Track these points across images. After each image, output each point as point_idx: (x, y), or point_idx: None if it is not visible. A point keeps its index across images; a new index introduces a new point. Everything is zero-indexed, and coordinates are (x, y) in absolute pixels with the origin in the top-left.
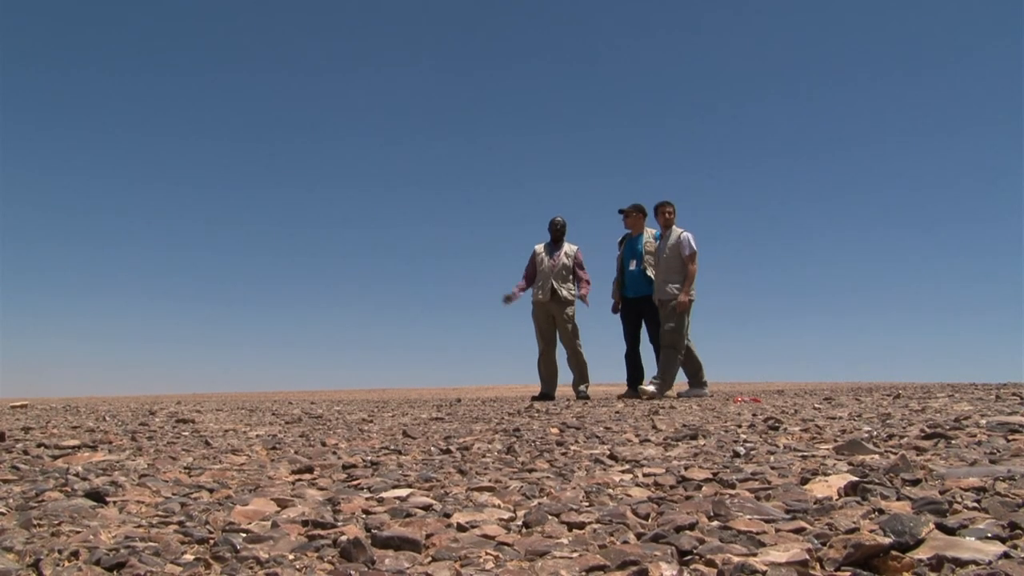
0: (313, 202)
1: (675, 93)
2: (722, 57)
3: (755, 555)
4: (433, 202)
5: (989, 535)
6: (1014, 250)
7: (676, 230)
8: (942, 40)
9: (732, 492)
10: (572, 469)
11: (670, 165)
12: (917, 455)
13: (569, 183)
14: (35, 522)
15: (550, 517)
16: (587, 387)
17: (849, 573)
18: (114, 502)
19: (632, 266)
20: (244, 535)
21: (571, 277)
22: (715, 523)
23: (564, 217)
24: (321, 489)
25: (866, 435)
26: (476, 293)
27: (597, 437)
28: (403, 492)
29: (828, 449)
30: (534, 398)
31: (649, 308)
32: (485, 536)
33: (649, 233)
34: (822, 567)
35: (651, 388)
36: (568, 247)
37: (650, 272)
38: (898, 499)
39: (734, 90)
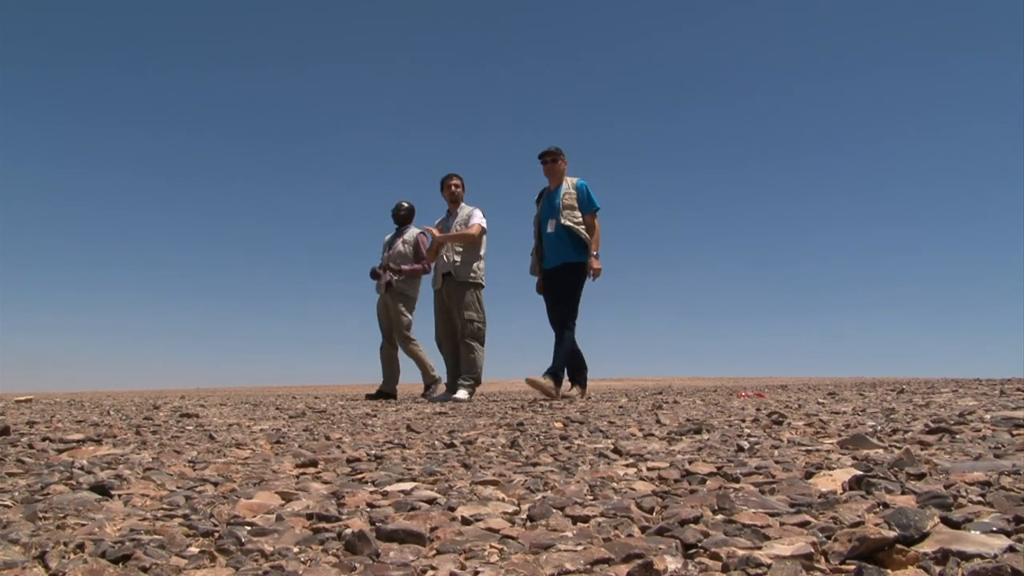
0: (316, 197)
1: (677, 89)
2: (724, 53)
3: (760, 548)
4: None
5: (994, 529)
6: (1018, 246)
7: (466, 207)
8: (956, 35)
9: (736, 486)
10: (576, 463)
11: (673, 161)
12: (921, 450)
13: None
14: (40, 515)
15: (554, 511)
16: (435, 388)
17: (854, 566)
18: (119, 495)
19: (550, 228)
20: (249, 528)
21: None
22: (719, 517)
23: (411, 202)
24: (325, 483)
25: (870, 430)
26: None
27: (601, 431)
28: (407, 486)
29: (832, 444)
30: (369, 395)
31: (568, 278)
32: (490, 529)
33: (570, 183)
34: (827, 560)
35: (463, 394)
36: (409, 232)
37: (579, 232)
38: (903, 493)
39: (739, 85)
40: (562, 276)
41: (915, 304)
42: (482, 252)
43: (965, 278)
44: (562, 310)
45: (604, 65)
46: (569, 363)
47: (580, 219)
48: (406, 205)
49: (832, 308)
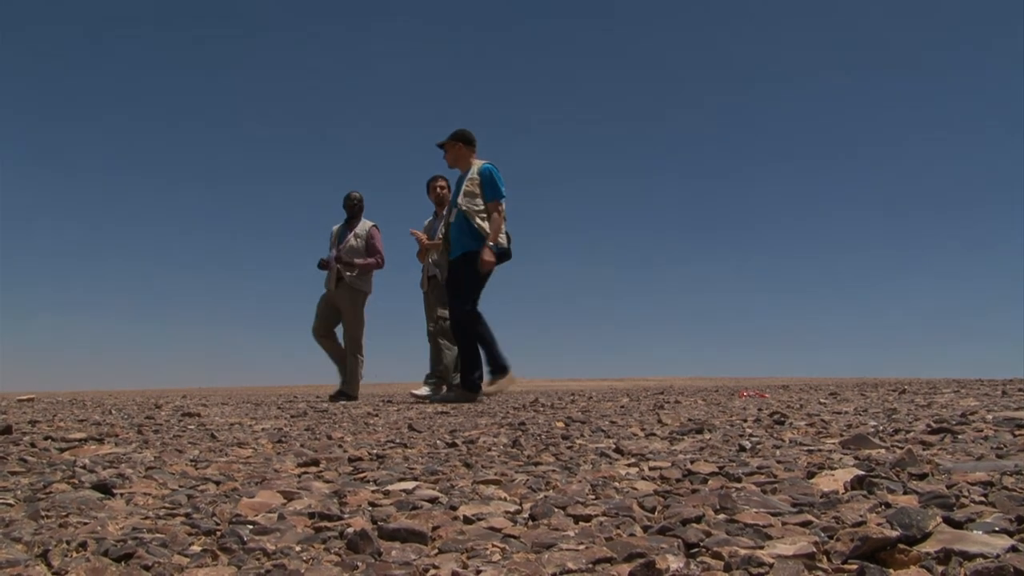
0: (316, 196)
1: (680, 87)
2: (728, 52)
3: (762, 548)
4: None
5: (996, 529)
6: (1019, 246)
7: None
8: (957, 32)
9: (738, 486)
10: (578, 463)
11: (674, 159)
12: (923, 450)
13: (583, 181)
14: (43, 513)
15: (556, 510)
16: (341, 398)
17: (856, 566)
18: (121, 494)
19: (452, 216)
20: (251, 527)
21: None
22: (721, 516)
23: (362, 193)
24: (327, 482)
25: (872, 430)
26: None
27: (603, 431)
28: (409, 485)
29: (834, 443)
30: (331, 396)
31: (464, 267)
32: (491, 528)
33: (475, 168)
34: (829, 560)
35: (424, 391)
36: (361, 225)
37: (476, 220)
38: (905, 493)
39: (742, 83)
40: (460, 266)
41: (917, 304)
42: None
43: (967, 278)
44: (456, 304)
45: (599, 59)
46: (465, 360)
47: (482, 206)
48: (357, 196)
49: (834, 308)
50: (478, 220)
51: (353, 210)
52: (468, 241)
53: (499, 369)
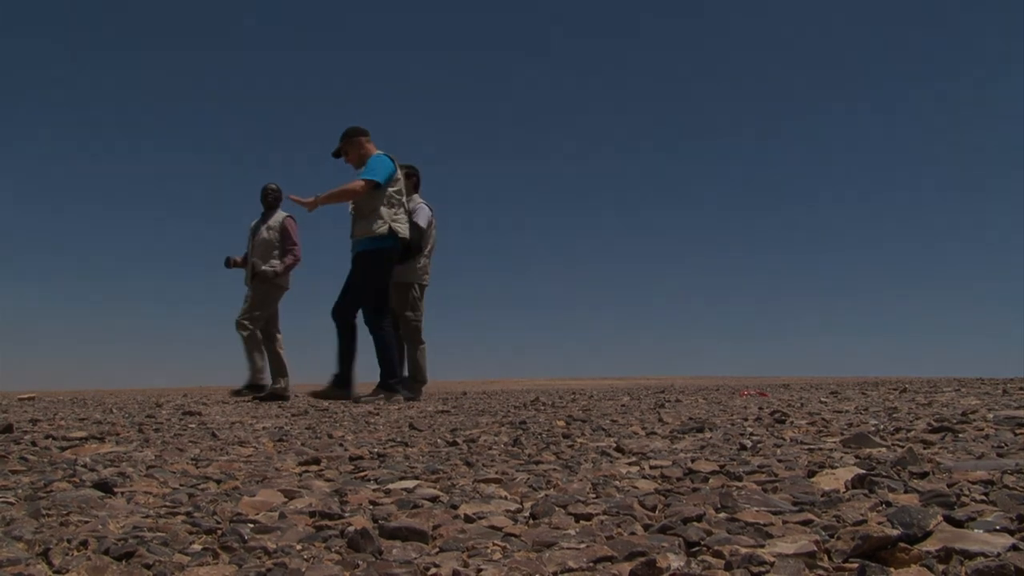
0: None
1: (681, 85)
2: (728, 52)
3: (763, 547)
4: (446, 202)
5: (997, 527)
6: (1019, 245)
7: (417, 198)
8: (954, 34)
9: (739, 484)
10: (579, 461)
11: (674, 159)
12: (924, 448)
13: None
14: (44, 512)
15: (557, 509)
16: (286, 383)
17: (857, 565)
18: (122, 493)
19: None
20: (252, 525)
21: (276, 253)
22: (722, 515)
23: (279, 184)
24: (328, 480)
25: (873, 428)
26: (479, 288)
27: (603, 430)
28: (410, 484)
29: (835, 442)
30: (234, 392)
31: (354, 265)
32: (492, 527)
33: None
34: (830, 559)
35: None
36: (275, 218)
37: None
38: (905, 492)
39: (744, 82)
40: (354, 263)
41: (917, 303)
42: (427, 251)
43: (967, 277)
44: (356, 303)
45: (599, 53)
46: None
47: (371, 202)
48: (273, 187)
49: (834, 308)
50: (367, 222)
51: (267, 202)
52: (365, 240)
53: (343, 383)
